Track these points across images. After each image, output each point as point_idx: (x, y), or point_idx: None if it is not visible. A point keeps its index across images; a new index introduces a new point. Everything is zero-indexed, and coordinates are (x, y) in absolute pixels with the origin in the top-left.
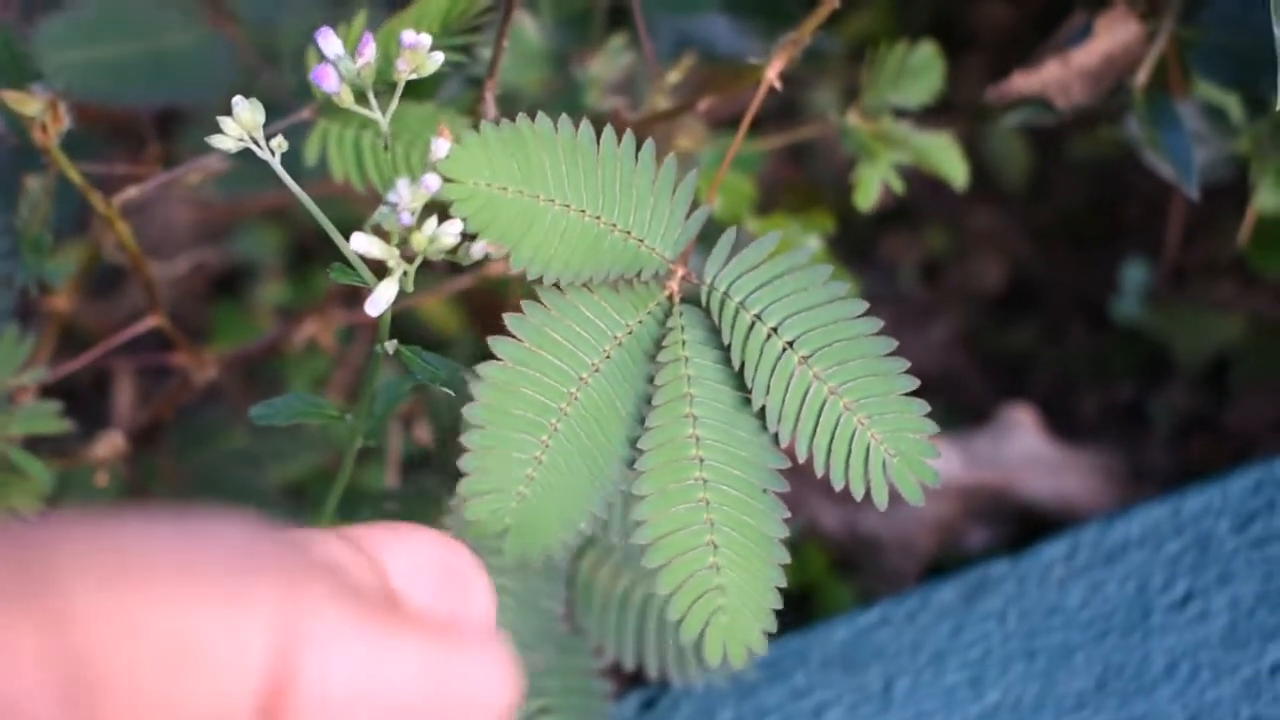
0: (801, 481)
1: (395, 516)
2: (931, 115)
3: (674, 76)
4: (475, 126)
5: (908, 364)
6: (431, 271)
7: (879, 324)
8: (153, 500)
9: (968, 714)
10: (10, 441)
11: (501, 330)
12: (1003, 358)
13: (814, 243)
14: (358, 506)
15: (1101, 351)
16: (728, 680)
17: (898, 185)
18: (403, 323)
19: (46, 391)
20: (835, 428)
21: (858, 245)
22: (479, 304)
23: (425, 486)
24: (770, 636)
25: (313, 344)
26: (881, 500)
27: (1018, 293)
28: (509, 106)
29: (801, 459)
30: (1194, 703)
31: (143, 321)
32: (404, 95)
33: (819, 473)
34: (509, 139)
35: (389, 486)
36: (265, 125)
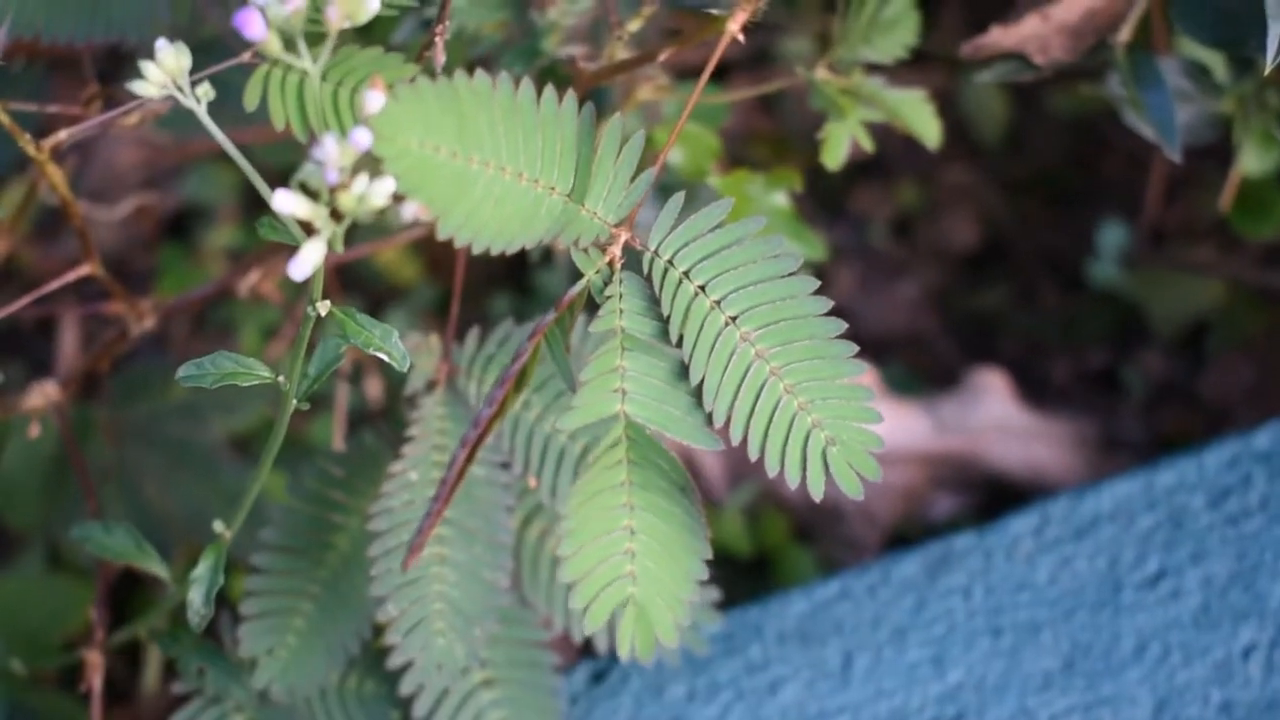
0: None
1: (338, 479)
2: (906, 68)
3: (634, 25)
4: (427, 72)
5: (856, 348)
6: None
7: (829, 304)
8: (85, 454)
9: (929, 693)
10: None
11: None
12: (973, 318)
13: (780, 199)
14: (300, 464)
15: (1075, 314)
16: (680, 654)
17: (868, 143)
18: (356, 271)
19: None
20: (774, 410)
21: (828, 198)
22: (436, 253)
23: (370, 445)
24: (726, 607)
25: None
26: (818, 492)
27: (990, 251)
28: (466, 50)
29: (735, 441)
30: (1163, 685)
31: (78, 268)
32: (357, 37)
33: (753, 457)
34: (444, 96)
35: (334, 448)
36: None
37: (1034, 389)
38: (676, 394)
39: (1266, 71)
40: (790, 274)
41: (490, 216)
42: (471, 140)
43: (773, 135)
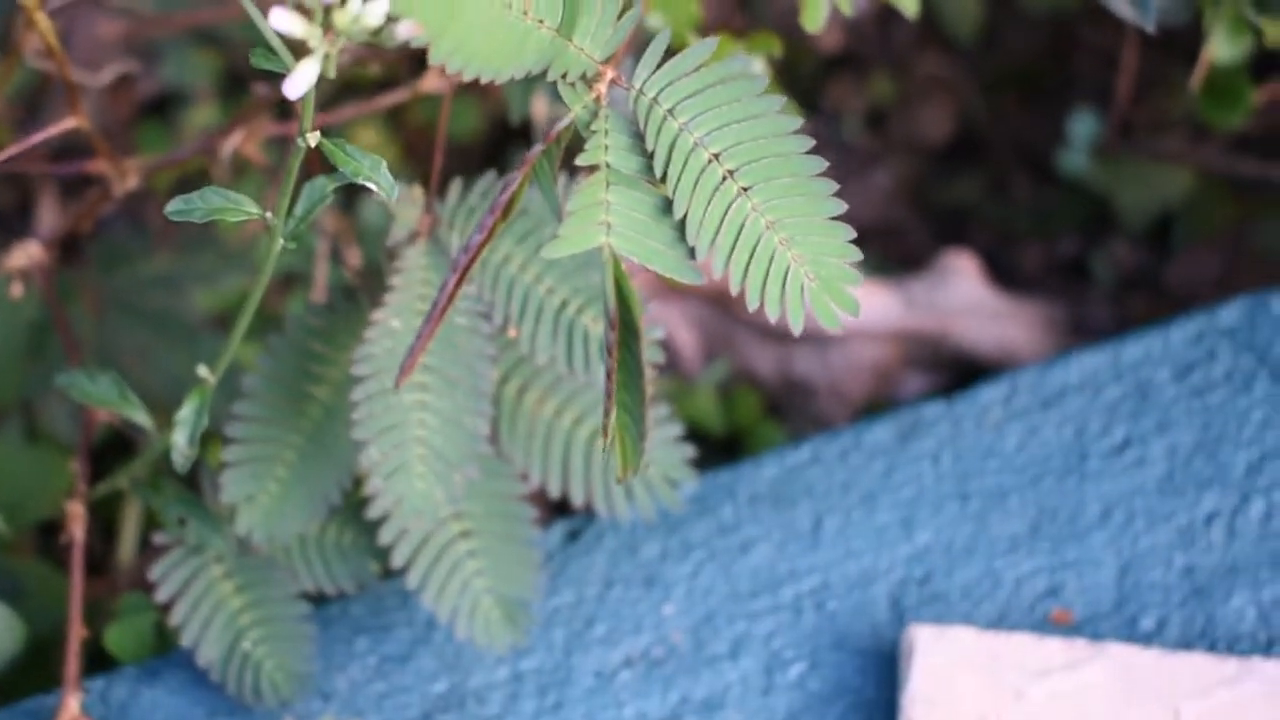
0: (733, 324)
1: (319, 330)
2: None
3: None
4: None
5: (836, 186)
6: (364, 96)
7: (810, 142)
8: (69, 319)
9: (897, 554)
10: None
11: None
12: (945, 209)
13: (758, 65)
14: (275, 331)
15: (1045, 205)
16: (654, 513)
17: (846, 7)
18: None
19: None
20: (755, 246)
21: (803, 92)
22: (413, 136)
23: (351, 300)
24: (699, 468)
25: (241, 164)
26: (797, 325)
27: (963, 144)
28: None
29: (718, 275)
30: (1127, 549)
31: (62, 122)
32: None
33: (734, 290)
34: None
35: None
36: None
37: (1004, 277)
38: (660, 229)
39: None
40: (772, 113)
41: (480, 45)
42: None
43: (746, 30)
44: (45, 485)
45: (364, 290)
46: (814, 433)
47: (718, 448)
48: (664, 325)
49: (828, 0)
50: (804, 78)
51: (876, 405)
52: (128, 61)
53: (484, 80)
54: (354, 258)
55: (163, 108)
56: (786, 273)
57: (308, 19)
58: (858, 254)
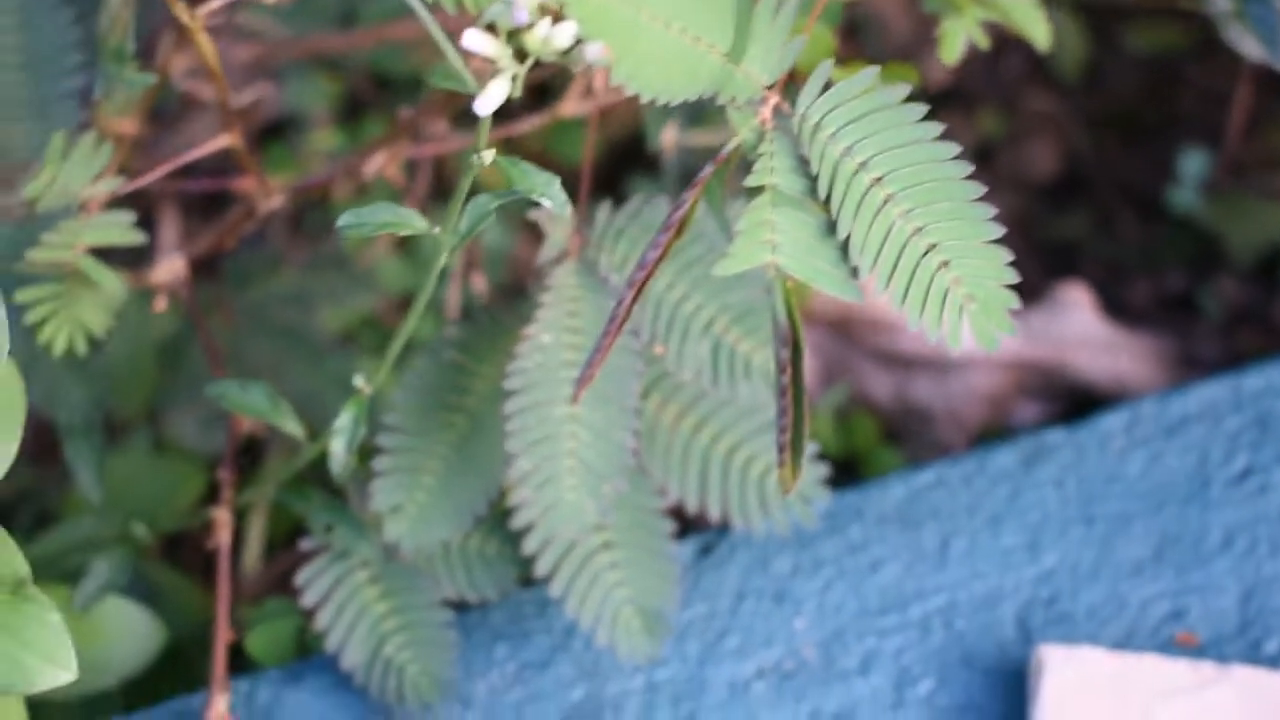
0: (852, 350)
1: (465, 345)
2: None
3: None
4: None
5: (995, 210)
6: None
7: (969, 168)
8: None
9: (1023, 576)
10: (81, 251)
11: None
12: (1053, 245)
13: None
14: (411, 356)
15: (1153, 241)
16: (789, 528)
17: (982, 41)
18: (454, 175)
19: None
20: (915, 268)
21: None
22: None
23: (493, 316)
24: (830, 488)
25: (365, 188)
26: (956, 345)
27: (1070, 180)
28: None
29: (880, 295)
30: (1250, 575)
31: (215, 140)
32: None
33: (896, 310)
34: None
35: (448, 332)
36: None
37: (1113, 311)
38: (824, 249)
39: None
40: (930, 139)
41: (657, 70)
42: None
43: (857, 61)
44: (175, 494)
45: (501, 309)
46: (930, 458)
47: (835, 471)
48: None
49: (964, 36)
50: None
51: (991, 433)
52: (262, 84)
53: (660, 101)
54: (479, 280)
55: (282, 130)
56: (946, 295)
57: (497, 39)
58: (1015, 276)
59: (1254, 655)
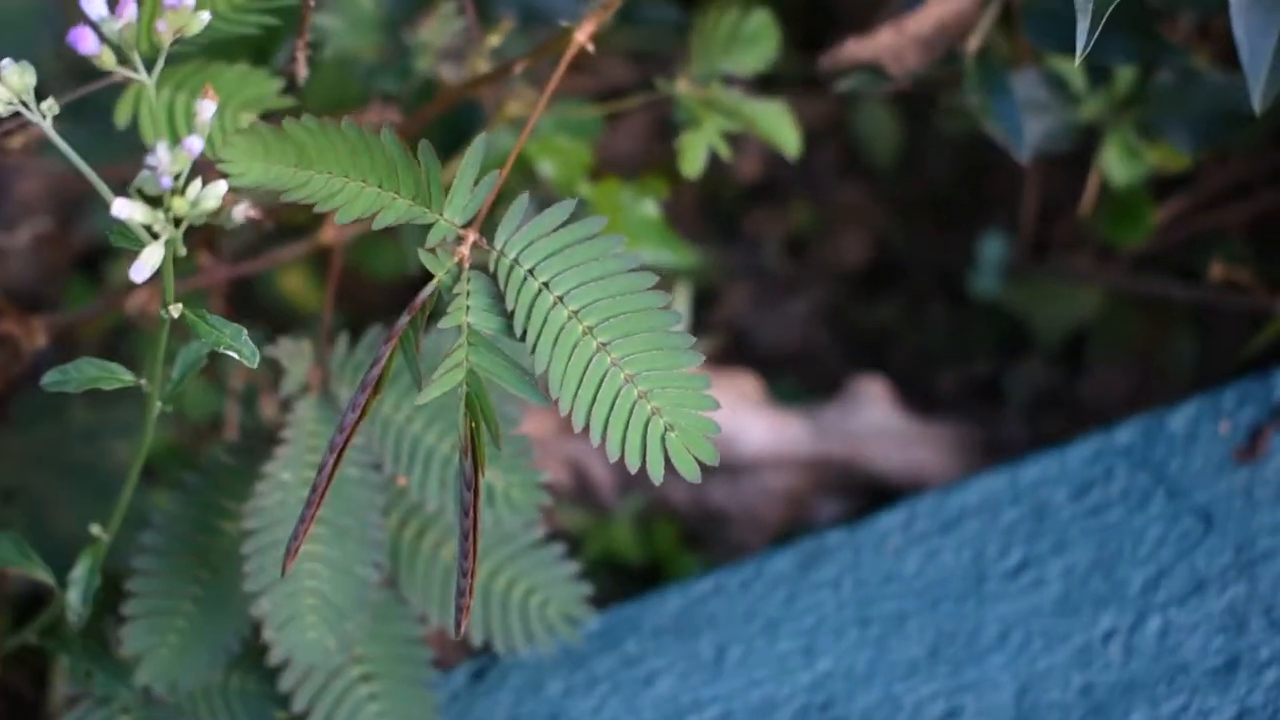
0: None
1: (220, 484)
2: (799, 90)
3: (494, 40)
4: (290, 85)
5: (694, 339)
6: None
7: (668, 298)
8: None
9: (799, 682)
10: None
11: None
12: (864, 333)
13: (650, 208)
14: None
15: (961, 327)
16: (557, 650)
17: (724, 151)
18: (259, 297)
19: None
20: (615, 398)
21: (723, 220)
22: (340, 282)
23: (254, 452)
24: (610, 607)
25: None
26: (657, 475)
27: (881, 269)
28: (343, 72)
29: (578, 429)
30: (1025, 671)
31: None
32: (242, 54)
33: (594, 443)
34: (281, 138)
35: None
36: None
37: (921, 399)
38: (518, 374)
39: (1076, 62)
40: (632, 270)
41: (341, 199)
42: (316, 164)
43: (668, 161)
44: None
45: (261, 443)
46: (729, 561)
47: (637, 577)
48: (578, 460)
49: (705, 147)
50: (725, 205)
51: (793, 531)
52: (42, 220)
53: (352, 220)
54: (270, 407)
55: (97, 258)
56: (647, 424)
57: (151, 204)
58: (715, 404)
59: None
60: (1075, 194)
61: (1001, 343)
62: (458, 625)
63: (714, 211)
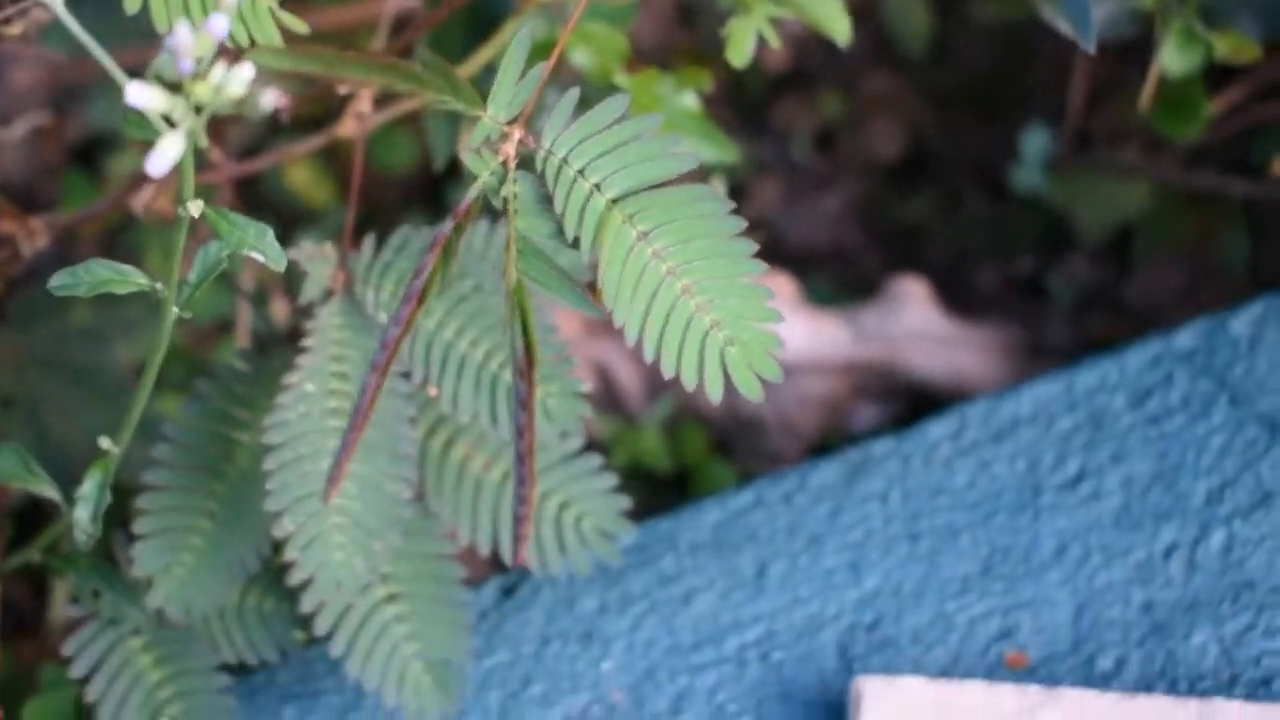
0: None
1: (238, 394)
2: None
3: None
4: None
5: (756, 246)
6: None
7: (729, 203)
8: None
9: (845, 600)
10: None
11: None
12: (898, 230)
13: (689, 100)
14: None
15: (1000, 223)
16: (589, 567)
17: (774, 39)
18: (266, 193)
19: None
20: (670, 310)
21: (751, 112)
22: (348, 175)
23: (272, 360)
24: (638, 518)
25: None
26: (716, 394)
27: (915, 162)
28: None
29: (631, 343)
30: (1084, 587)
31: None
32: None
33: (649, 358)
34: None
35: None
36: None
37: (960, 298)
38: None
39: None
40: (687, 172)
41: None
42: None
43: (692, 49)
44: None
45: (281, 347)
46: (765, 469)
47: (666, 486)
48: (605, 364)
49: (754, 34)
50: (752, 96)
51: (830, 438)
52: (40, 114)
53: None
54: (280, 310)
55: (90, 150)
56: (704, 338)
57: (170, 91)
58: (780, 317)
59: (1088, 673)
60: (1120, 83)
61: (1043, 239)
62: (516, 552)
63: (740, 101)
